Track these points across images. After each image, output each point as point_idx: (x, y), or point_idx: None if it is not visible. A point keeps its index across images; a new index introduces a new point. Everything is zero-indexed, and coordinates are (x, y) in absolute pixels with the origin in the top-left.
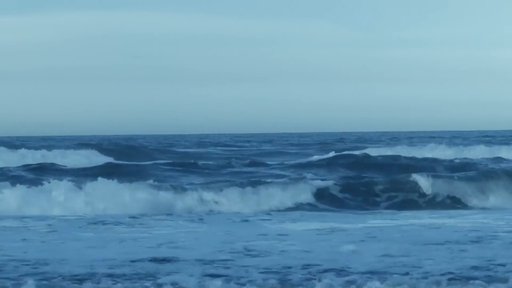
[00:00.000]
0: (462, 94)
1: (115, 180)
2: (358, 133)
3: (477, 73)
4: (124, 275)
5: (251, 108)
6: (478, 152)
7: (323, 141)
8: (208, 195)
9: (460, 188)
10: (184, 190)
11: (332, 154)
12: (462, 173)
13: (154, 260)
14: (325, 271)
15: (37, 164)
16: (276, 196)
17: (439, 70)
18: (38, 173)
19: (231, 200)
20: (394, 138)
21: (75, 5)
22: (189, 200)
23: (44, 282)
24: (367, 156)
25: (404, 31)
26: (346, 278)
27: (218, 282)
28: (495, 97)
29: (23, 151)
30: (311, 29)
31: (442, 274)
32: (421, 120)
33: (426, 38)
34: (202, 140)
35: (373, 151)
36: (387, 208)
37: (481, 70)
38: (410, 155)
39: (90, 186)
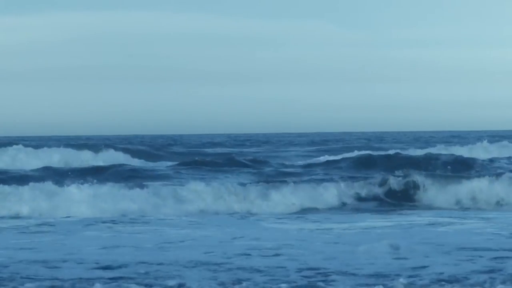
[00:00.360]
0: (462, 94)
1: (133, 182)
2: (358, 133)
3: (477, 73)
4: (121, 278)
5: (250, 108)
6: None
7: (331, 140)
8: (237, 195)
9: (481, 189)
10: (212, 190)
11: (356, 153)
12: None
13: (153, 263)
14: (333, 273)
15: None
16: (305, 195)
17: (439, 70)
18: (61, 175)
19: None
20: (394, 138)
21: (75, 5)
22: (225, 202)
23: (39, 284)
24: (395, 154)
25: (404, 31)
26: (354, 282)
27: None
28: (495, 97)
29: (45, 150)
30: (311, 29)
31: (451, 277)
32: (421, 120)
33: (426, 38)
34: (208, 140)
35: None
36: (410, 207)
37: (481, 70)
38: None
39: (97, 189)
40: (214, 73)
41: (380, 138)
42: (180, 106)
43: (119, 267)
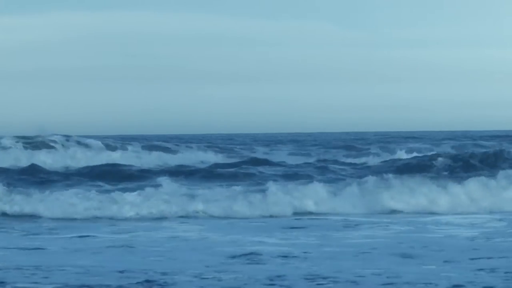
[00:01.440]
0: (462, 94)
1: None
2: (358, 133)
3: (477, 73)
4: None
5: (250, 108)
6: None
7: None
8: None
9: None
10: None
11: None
12: None
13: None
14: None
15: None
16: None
17: (439, 70)
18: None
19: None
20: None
21: (75, 5)
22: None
23: None
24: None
25: (404, 31)
26: None
27: None
28: (495, 97)
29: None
30: (311, 29)
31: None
32: (421, 120)
33: (426, 38)
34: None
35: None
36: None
37: (481, 70)
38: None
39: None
40: (214, 73)
41: (386, 137)
42: (180, 106)
43: (106, 275)
